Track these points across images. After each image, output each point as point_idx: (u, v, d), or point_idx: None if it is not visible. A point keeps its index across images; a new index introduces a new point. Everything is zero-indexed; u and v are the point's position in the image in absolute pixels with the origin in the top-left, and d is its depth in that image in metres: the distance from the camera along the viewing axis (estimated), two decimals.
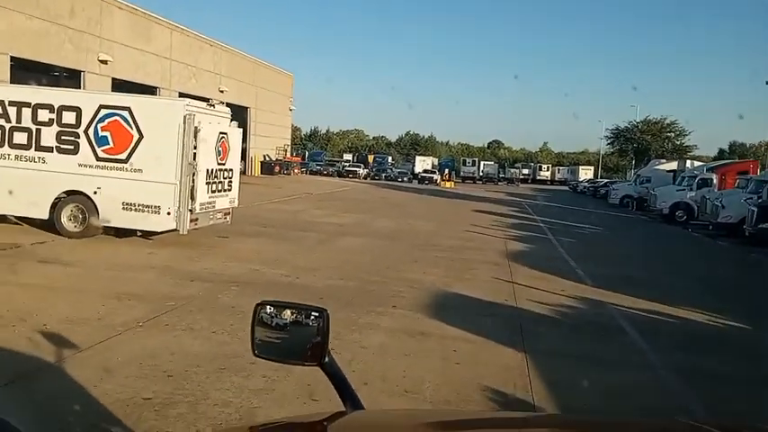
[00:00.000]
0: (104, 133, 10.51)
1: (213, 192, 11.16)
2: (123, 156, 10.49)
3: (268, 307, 1.62)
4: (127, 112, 10.51)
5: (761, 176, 22.64)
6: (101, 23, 23.12)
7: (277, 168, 39.48)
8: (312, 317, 1.58)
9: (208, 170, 10.92)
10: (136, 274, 8.49)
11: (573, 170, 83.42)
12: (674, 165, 38.46)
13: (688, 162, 34.91)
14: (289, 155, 43.55)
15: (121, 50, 23.98)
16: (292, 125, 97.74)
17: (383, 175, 55.42)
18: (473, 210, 25.52)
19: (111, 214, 10.56)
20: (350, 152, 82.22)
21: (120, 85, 22.40)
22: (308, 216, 17.89)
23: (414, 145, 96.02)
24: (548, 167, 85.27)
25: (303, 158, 59.53)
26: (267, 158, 39.78)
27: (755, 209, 20.15)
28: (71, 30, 21.58)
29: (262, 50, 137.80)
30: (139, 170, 10.44)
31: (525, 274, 10.81)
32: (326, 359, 1.55)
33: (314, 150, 77.38)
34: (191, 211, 10.51)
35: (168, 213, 10.39)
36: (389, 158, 78.36)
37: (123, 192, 10.44)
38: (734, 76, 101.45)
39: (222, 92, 32.54)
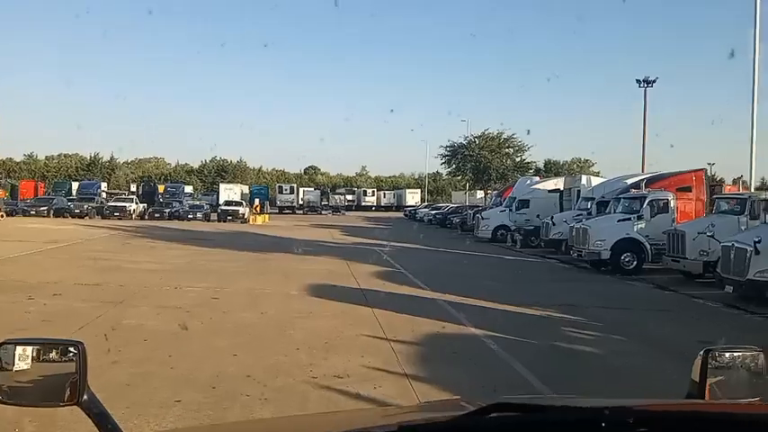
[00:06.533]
0: None
1: None
2: None
3: (12, 346, 1.37)
4: None
5: None
6: None
7: None
8: (70, 352, 1.38)
9: None
10: None
11: (400, 194, 79.32)
12: (555, 182, 29.45)
13: (583, 178, 25.59)
14: None
15: None
16: (68, 153, 76.60)
17: (167, 211, 39.29)
18: (303, 287, 12.29)
19: None
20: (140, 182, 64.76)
21: None
22: None
23: (220, 172, 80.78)
24: (372, 192, 79.64)
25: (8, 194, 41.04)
26: None
27: None
28: None
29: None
30: None
31: None
32: (85, 396, 1.36)
33: (85, 181, 59.36)
34: None
35: None
36: (187, 188, 62.61)
37: None
38: (540, 89, 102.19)
39: None
